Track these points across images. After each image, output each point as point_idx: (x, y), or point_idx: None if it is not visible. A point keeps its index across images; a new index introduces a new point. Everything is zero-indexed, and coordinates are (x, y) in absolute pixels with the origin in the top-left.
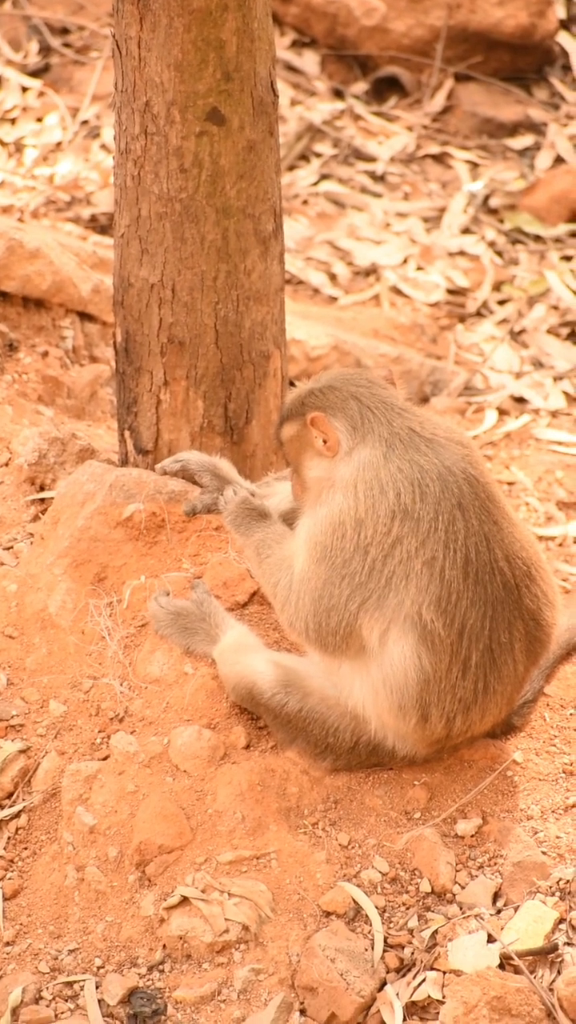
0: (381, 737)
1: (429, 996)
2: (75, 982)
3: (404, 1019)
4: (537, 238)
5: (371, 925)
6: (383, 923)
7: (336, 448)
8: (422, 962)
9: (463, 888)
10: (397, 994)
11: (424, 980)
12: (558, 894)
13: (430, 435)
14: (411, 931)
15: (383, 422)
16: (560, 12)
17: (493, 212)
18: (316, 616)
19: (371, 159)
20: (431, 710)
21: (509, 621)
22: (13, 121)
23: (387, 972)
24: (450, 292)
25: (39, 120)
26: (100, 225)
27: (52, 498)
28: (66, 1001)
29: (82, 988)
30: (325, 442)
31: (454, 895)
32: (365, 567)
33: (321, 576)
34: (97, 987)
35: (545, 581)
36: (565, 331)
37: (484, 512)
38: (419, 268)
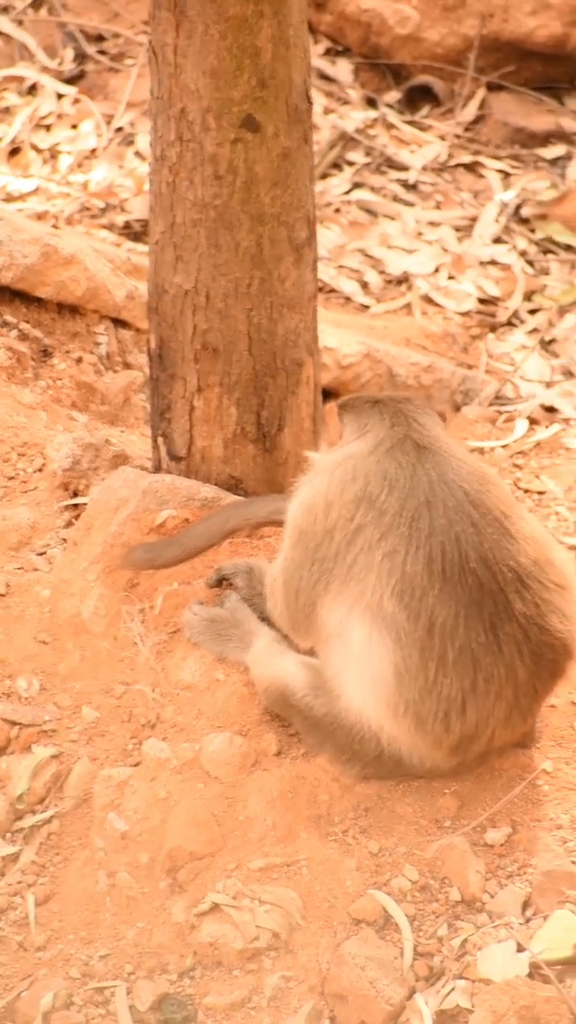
0: (395, 748)
1: (458, 1005)
2: (106, 988)
3: None
4: (568, 247)
5: (401, 933)
6: (413, 931)
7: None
8: (451, 971)
9: (492, 897)
10: (426, 1003)
11: (453, 989)
12: None
13: (427, 444)
14: (440, 939)
15: (386, 424)
16: None
17: (524, 222)
18: (286, 596)
19: (404, 168)
20: (421, 709)
21: (491, 623)
22: (48, 128)
23: (416, 980)
24: (481, 301)
25: (74, 127)
26: (134, 232)
27: (85, 504)
28: (97, 1007)
29: (113, 994)
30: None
31: (483, 904)
32: (332, 551)
33: (295, 559)
34: (128, 993)
35: (548, 590)
36: None
37: (458, 512)
38: (451, 277)
